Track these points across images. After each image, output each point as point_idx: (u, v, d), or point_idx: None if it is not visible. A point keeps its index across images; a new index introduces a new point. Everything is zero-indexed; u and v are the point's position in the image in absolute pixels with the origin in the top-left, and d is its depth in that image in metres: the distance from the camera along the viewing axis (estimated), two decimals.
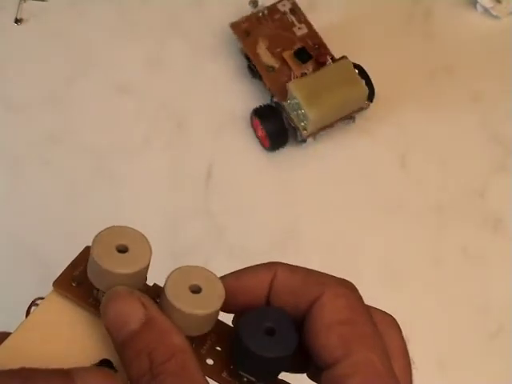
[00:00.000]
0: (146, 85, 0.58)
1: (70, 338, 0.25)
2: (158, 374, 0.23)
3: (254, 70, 0.56)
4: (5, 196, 0.54)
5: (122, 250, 0.25)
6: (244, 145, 0.56)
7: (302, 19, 0.57)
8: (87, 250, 0.26)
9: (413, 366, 0.26)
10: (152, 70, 0.59)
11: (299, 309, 0.26)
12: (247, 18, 0.57)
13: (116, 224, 0.26)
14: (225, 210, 0.55)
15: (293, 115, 0.53)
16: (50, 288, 0.26)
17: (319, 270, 0.27)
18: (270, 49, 0.56)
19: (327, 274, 0.26)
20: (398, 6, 0.61)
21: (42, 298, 0.26)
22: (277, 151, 0.56)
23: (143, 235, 0.26)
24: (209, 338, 0.27)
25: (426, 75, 0.59)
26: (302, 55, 0.55)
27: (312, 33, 0.57)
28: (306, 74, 0.54)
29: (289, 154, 0.56)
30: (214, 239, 0.54)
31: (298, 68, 0.55)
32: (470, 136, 0.57)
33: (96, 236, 0.25)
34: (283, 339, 0.25)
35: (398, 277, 0.53)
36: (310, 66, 0.55)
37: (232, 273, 0.27)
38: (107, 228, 0.26)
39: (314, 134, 0.54)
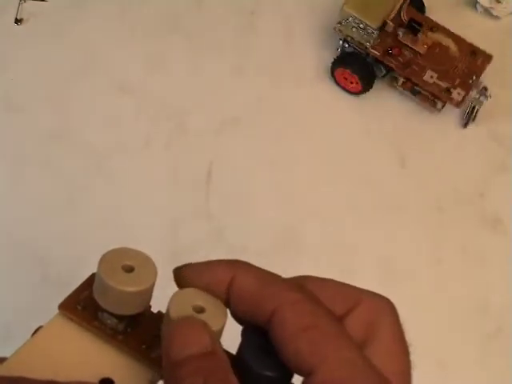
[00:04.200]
0: (146, 85, 0.58)
1: (72, 357, 0.26)
2: None
3: None
4: (5, 196, 0.54)
5: (128, 269, 0.25)
6: (244, 145, 0.56)
7: None
8: (93, 275, 0.26)
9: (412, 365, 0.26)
10: (152, 70, 0.59)
11: (259, 318, 0.25)
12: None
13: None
14: (225, 210, 0.55)
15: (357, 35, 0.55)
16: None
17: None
18: None
19: (282, 280, 0.25)
20: None
21: None
22: (275, 151, 0.56)
23: (148, 256, 0.26)
24: None
25: None
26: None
27: None
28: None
29: (289, 153, 0.56)
30: (214, 239, 0.54)
31: None
32: (470, 136, 0.57)
33: (102, 256, 0.25)
34: None
35: (397, 276, 0.53)
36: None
37: (194, 264, 0.26)
38: (112, 249, 0.26)
39: None
